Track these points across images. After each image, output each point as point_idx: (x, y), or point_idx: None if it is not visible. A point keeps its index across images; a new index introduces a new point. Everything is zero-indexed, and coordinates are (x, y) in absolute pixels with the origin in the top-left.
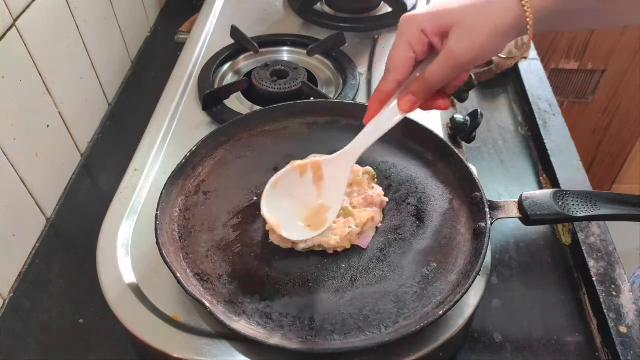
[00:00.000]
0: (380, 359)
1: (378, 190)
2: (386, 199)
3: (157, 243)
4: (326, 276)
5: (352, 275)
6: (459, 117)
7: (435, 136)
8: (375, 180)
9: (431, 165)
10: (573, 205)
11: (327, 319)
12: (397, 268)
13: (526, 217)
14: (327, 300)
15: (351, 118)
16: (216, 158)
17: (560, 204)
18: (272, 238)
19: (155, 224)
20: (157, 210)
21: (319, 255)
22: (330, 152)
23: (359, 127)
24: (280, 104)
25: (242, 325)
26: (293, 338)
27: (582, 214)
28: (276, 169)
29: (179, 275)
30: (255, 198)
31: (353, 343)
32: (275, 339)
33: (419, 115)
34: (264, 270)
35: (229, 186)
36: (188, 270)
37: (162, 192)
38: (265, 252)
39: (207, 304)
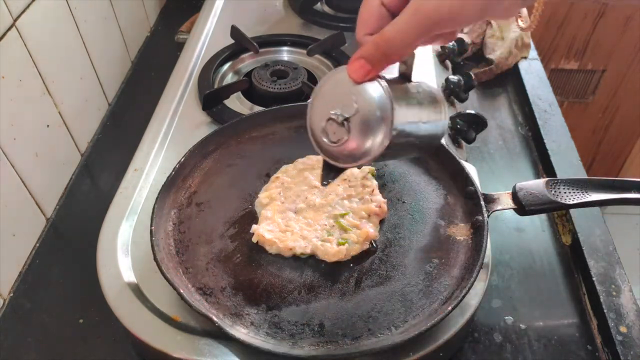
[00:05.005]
0: (380, 359)
1: (379, 198)
2: (385, 208)
3: (155, 260)
4: (331, 281)
5: (356, 278)
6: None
7: None
8: (375, 176)
9: (422, 162)
10: (566, 193)
11: (337, 323)
12: (400, 267)
13: (521, 208)
14: (335, 305)
15: None
16: (205, 168)
17: (553, 192)
18: (269, 248)
19: (151, 240)
20: (151, 226)
21: (321, 260)
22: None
23: None
24: (266, 109)
25: (252, 338)
26: (305, 346)
27: (575, 201)
28: (268, 175)
29: (182, 292)
30: (250, 206)
31: (366, 346)
32: (287, 348)
33: None
34: (267, 279)
35: (222, 196)
36: (189, 285)
37: (154, 207)
38: (267, 261)
39: (214, 318)
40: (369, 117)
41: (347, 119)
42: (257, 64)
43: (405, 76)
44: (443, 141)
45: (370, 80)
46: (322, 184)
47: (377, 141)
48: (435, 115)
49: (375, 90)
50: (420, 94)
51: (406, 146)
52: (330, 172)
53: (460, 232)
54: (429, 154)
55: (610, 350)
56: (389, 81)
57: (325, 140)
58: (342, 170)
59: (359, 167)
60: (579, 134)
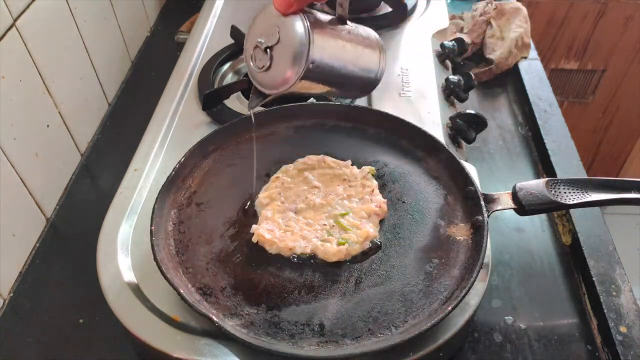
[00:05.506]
0: (380, 359)
1: (379, 198)
2: (385, 208)
3: (155, 260)
4: (331, 280)
5: (356, 278)
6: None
7: (424, 133)
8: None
9: (422, 162)
10: (566, 193)
11: (337, 323)
12: (400, 267)
13: (521, 208)
14: (335, 305)
15: (337, 119)
16: (205, 168)
17: (553, 192)
18: (269, 248)
19: (151, 240)
20: (151, 226)
21: (321, 260)
22: (320, 154)
23: (346, 129)
24: (266, 109)
25: (252, 338)
26: (305, 346)
27: (575, 201)
28: (268, 176)
29: (182, 292)
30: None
31: (366, 346)
32: (287, 348)
33: (417, 115)
34: (267, 279)
35: (222, 196)
36: (189, 285)
37: (154, 207)
38: (267, 261)
39: (214, 318)
40: (288, 47)
41: (269, 47)
42: None
43: (341, 18)
44: (443, 141)
45: (295, 13)
46: (248, 110)
47: (293, 71)
48: (367, 60)
49: (298, 23)
50: (353, 36)
51: (327, 82)
52: (257, 99)
53: (460, 232)
54: (361, 96)
55: (610, 350)
56: (318, 19)
57: (252, 65)
58: (266, 96)
59: (281, 95)
60: (579, 134)
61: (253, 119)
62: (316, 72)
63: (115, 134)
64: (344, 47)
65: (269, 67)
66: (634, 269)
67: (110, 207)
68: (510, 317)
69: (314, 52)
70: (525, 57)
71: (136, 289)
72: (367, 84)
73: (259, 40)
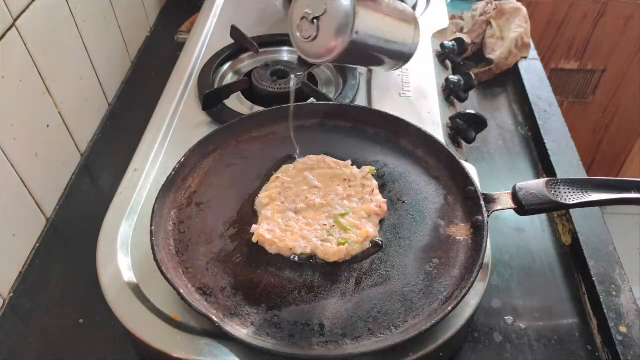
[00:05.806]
0: (380, 359)
1: (379, 198)
2: (385, 208)
3: (155, 260)
4: (331, 281)
5: (356, 278)
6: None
7: (424, 133)
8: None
9: (422, 162)
10: (566, 193)
11: (337, 323)
12: (400, 267)
13: (521, 208)
14: (335, 305)
15: (337, 120)
16: (205, 168)
17: (553, 192)
18: (269, 248)
19: (151, 240)
20: (151, 226)
21: (321, 260)
22: (320, 154)
23: (346, 129)
24: (266, 109)
25: (252, 338)
26: (305, 346)
27: (575, 201)
28: (267, 175)
29: (182, 292)
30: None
31: (366, 346)
32: (287, 348)
33: (417, 115)
34: (267, 279)
35: (222, 196)
36: (189, 285)
37: (154, 207)
38: (267, 261)
39: (214, 318)
40: (334, 19)
41: (316, 18)
42: (257, 64)
43: None
44: (443, 141)
45: None
46: (292, 76)
47: (339, 41)
48: (404, 33)
49: None
50: (391, 10)
51: (367, 53)
52: (302, 67)
53: (460, 232)
54: (396, 68)
55: (610, 350)
56: None
57: (298, 35)
58: (311, 66)
59: (324, 64)
60: (579, 134)
61: (294, 83)
62: (359, 43)
63: (115, 134)
64: (384, 20)
65: (315, 37)
66: (634, 269)
67: (110, 207)
68: (510, 317)
69: (359, 23)
70: (525, 57)
71: (136, 289)
72: (402, 56)
73: (306, 11)
